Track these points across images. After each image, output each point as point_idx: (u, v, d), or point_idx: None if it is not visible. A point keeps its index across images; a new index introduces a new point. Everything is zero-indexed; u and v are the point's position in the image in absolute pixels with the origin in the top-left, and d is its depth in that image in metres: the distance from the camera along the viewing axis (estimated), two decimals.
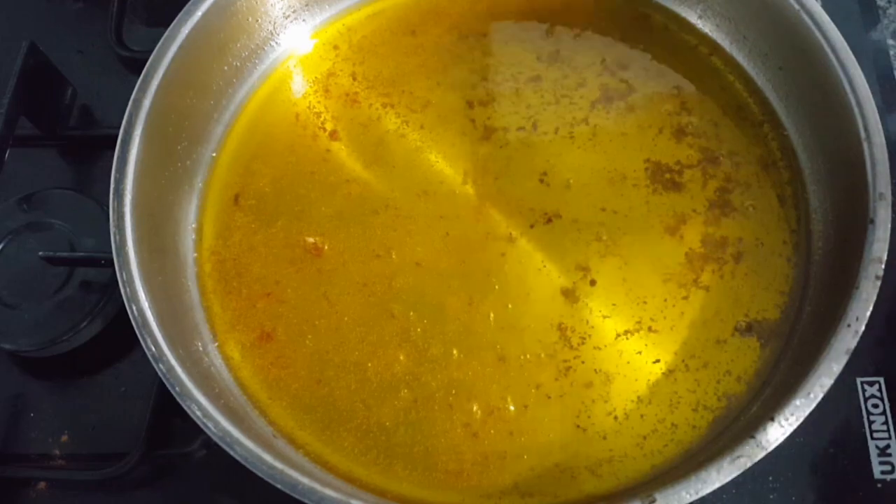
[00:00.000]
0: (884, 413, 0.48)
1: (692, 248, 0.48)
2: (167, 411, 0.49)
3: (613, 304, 0.47)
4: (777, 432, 0.37)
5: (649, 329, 0.47)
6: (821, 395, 0.38)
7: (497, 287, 0.48)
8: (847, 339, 0.39)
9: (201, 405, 0.40)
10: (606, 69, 0.54)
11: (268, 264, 0.50)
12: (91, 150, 0.60)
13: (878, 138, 0.43)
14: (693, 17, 0.55)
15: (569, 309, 0.47)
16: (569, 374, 0.46)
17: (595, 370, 0.46)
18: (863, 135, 0.43)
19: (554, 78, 0.54)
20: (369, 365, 0.47)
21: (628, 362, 0.46)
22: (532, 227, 0.50)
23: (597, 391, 0.45)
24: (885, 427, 0.47)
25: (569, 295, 0.48)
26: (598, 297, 0.48)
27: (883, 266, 0.40)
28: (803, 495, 0.46)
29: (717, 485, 0.37)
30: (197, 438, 0.49)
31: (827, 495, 0.46)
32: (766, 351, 0.46)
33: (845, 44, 0.46)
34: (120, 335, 0.51)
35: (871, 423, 0.48)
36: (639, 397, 0.45)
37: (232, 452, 0.39)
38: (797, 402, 0.38)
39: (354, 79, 0.55)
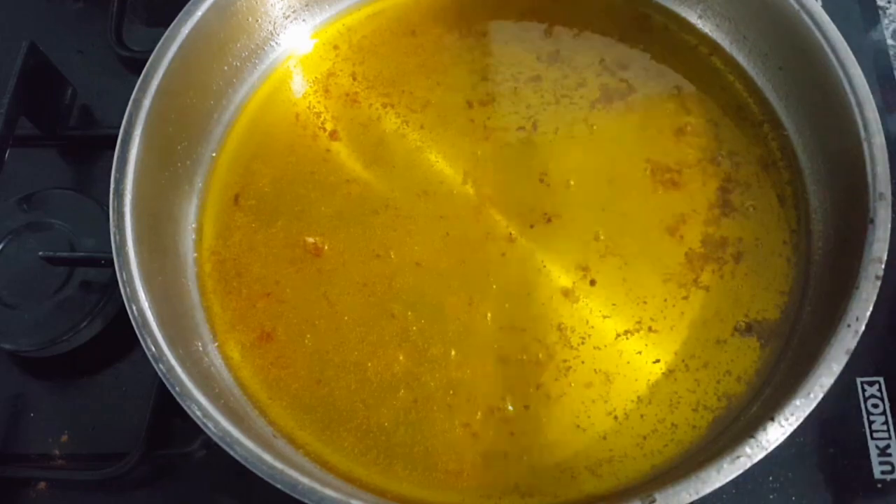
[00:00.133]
0: (884, 413, 0.48)
1: (692, 248, 0.48)
2: (167, 411, 0.49)
3: (613, 304, 0.47)
4: (777, 432, 0.37)
5: (649, 329, 0.47)
6: (821, 395, 0.38)
7: (497, 287, 0.48)
8: (847, 339, 0.39)
9: (201, 405, 0.40)
10: (606, 69, 0.54)
11: (268, 264, 0.50)
12: (91, 150, 0.60)
13: (878, 138, 0.43)
14: (693, 17, 0.55)
15: (569, 309, 0.47)
16: (569, 374, 0.46)
17: (595, 370, 0.46)
18: (863, 135, 0.43)
19: (554, 78, 0.54)
20: (369, 365, 0.47)
21: (628, 362, 0.46)
22: (532, 227, 0.50)
23: (597, 391, 0.45)
24: (885, 427, 0.47)
25: (569, 295, 0.48)
26: (598, 297, 0.48)
27: (883, 266, 0.40)
28: (803, 495, 0.46)
29: (717, 485, 0.37)
30: (197, 438, 0.49)
31: (827, 495, 0.46)
32: (766, 351, 0.46)
33: (845, 44, 0.46)
34: (120, 335, 0.51)
35: (871, 423, 0.48)
36: (639, 397, 0.45)
37: (232, 452, 0.39)
38: (797, 402, 0.38)
39: (354, 79, 0.55)
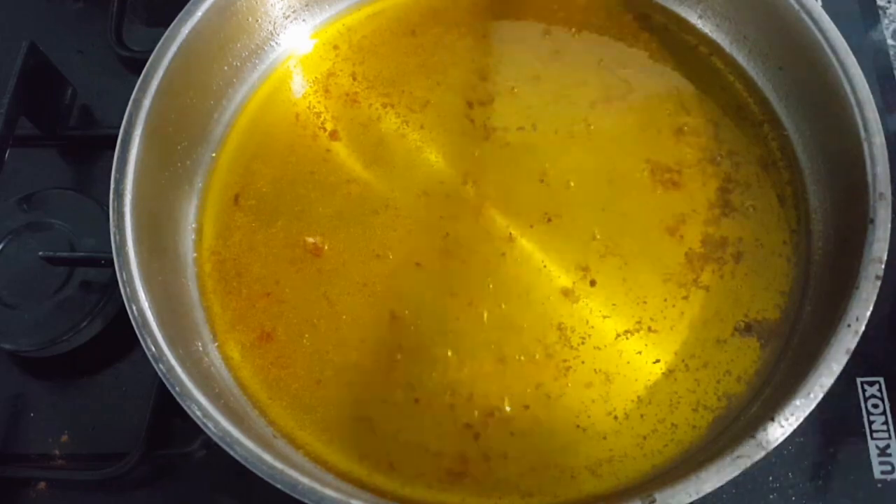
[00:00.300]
0: (884, 413, 0.48)
1: (692, 248, 0.48)
2: (167, 411, 0.49)
3: (613, 304, 0.47)
4: (777, 432, 0.37)
5: (649, 329, 0.47)
6: (821, 395, 0.38)
7: (497, 287, 0.48)
8: (847, 339, 0.39)
9: (201, 405, 0.40)
10: (606, 69, 0.54)
11: (268, 264, 0.50)
12: (91, 150, 0.60)
13: (878, 138, 0.43)
14: (693, 17, 0.55)
15: (569, 309, 0.47)
16: (569, 374, 0.46)
17: (595, 370, 0.46)
18: (863, 135, 0.43)
19: (554, 78, 0.54)
20: (369, 365, 0.47)
21: (628, 362, 0.46)
22: (532, 227, 0.50)
23: (597, 391, 0.45)
24: (885, 427, 0.47)
25: (569, 295, 0.48)
26: (598, 297, 0.48)
27: (883, 266, 0.40)
28: (803, 495, 0.46)
29: (717, 485, 0.37)
30: (197, 438, 0.49)
31: (827, 495, 0.46)
32: (766, 351, 0.46)
33: (845, 44, 0.46)
34: (120, 335, 0.51)
35: (871, 423, 0.48)
36: (639, 397, 0.45)
37: (232, 452, 0.39)
38: (797, 402, 0.38)
39: (354, 79, 0.55)
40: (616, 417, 0.45)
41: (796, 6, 0.47)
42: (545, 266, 0.48)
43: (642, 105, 0.53)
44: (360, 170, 0.52)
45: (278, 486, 0.38)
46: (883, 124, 0.43)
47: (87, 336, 0.52)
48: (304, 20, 0.57)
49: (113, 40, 0.62)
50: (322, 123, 0.54)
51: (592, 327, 0.47)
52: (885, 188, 0.42)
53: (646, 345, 0.46)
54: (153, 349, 0.41)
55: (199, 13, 0.49)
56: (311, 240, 0.50)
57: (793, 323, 0.46)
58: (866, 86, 0.44)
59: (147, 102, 0.47)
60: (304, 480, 0.38)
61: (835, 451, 0.47)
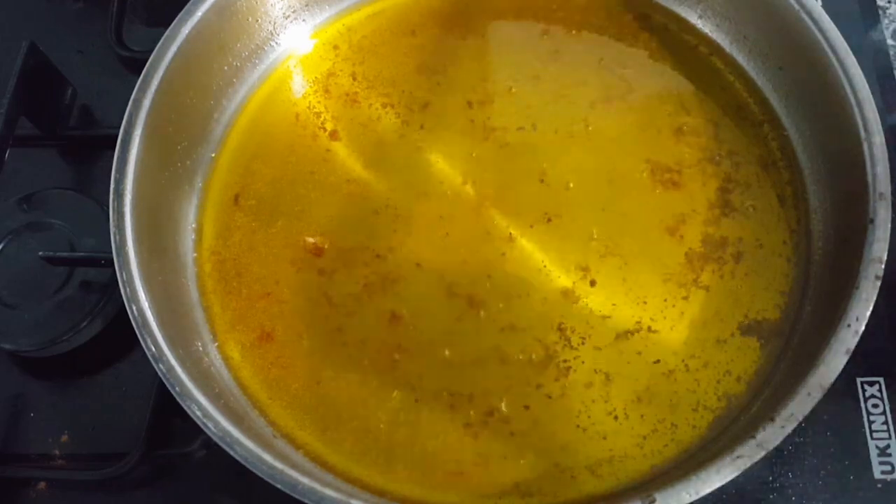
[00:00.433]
0: (884, 413, 0.48)
1: (692, 248, 0.48)
2: (167, 411, 0.49)
3: (613, 304, 0.47)
4: (777, 432, 0.37)
5: (649, 329, 0.47)
6: (821, 395, 0.38)
7: (497, 287, 0.48)
8: (847, 339, 0.39)
9: (201, 405, 0.40)
10: (606, 69, 0.54)
11: (268, 264, 0.50)
12: (91, 150, 0.60)
13: (878, 138, 0.43)
14: (693, 17, 0.55)
15: (569, 309, 0.47)
16: (569, 374, 0.46)
17: (595, 370, 0.46)
18: (863, 135, 0.43)
19: (553, 78, 0.54)
20: (369, 365, 0.47)
21: (628, 362, 0.46)
22: (532, 227, 0.50)
23: (597, 391, 0.45)
24: (885, 427, 0.47)
25: (569, 295, 0.48)
26: (598, 297, 0.48)
27: (883, 266, 0.40)
28: (803, 495, 0.46)
29: (717, 485, 0.37)
30: (197, 438, 0.49)
31: (827, 495, 0.46)
32: (766, 351, 0.46)
33: (845, 44, 0.46)
34: (120, 335, 0.51)
35: (871, 423, 0.47)
36: (639, 397, 0.45)
37: (232, 452, 0.39)
38: (797, 402, 0.38)
39: (354, 79, 0.55)
40: (616, 417, 0.45)
41: (796, 6, 0.47)
42: (545, 266, 0.48)
43: (642, 105, 0.53)
44: (360, 170, 0.52)
45: (278, 486, 0.38)
46: (883, 124, 0.43)
47: (87, 336, 0.52)
48: (304, 20, 0.57)
49: (113, 40, 0.62)
50: (322, 123, 0.54)
51: (592, 327, 0.47)
52: (885, 188, 0.42)
53: (646, 345, 0.46)
54: (153, 349, 0.41)
55: (199, 13, 0.49)
56: (311, 240, 0.50)
57: (793, 323, 0.46)
58: (866, 86, 0.44)
59: (147, 102, 0.47)
60: (304, 480, 0.38)
61: (835, 451, 0.47)
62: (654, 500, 0.36)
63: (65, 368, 0.53)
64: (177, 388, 0.40)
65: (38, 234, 0.55)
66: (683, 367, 0.46)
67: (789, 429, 0.37)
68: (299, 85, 0.56)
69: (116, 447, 0.49)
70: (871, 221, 0.41)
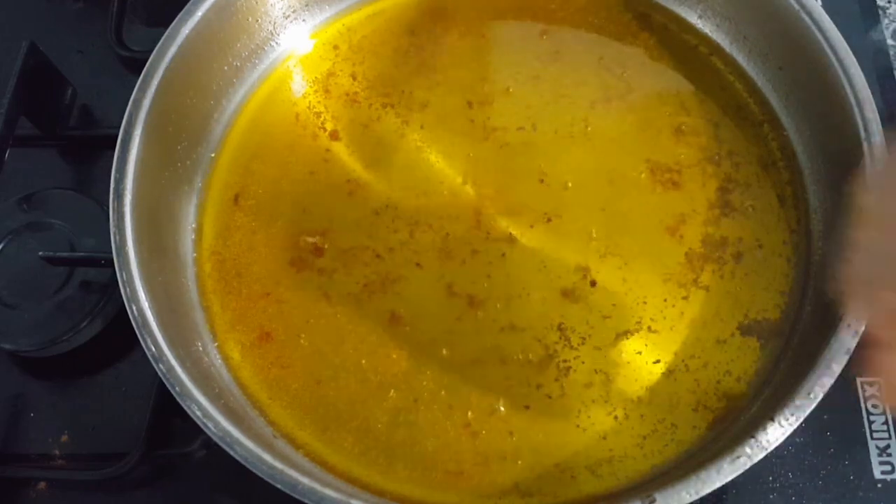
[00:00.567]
0: (884, 413, 0.48)
1: (692, 248, 0.48)
2: (167, 411, 0.49)
3: (613, 304, 0.47)
4: (777, 432, 0.37)
5: (649, 329, 0.47)
6: (821, 395, 0.38)
7: (497, 287, 0.48)
8: (847, 339, 0.39)
9: (201, 405, 0.40)
10: (606, 69, 0.54)
11: (268, 264, 0.50)
12: (91, 150, 0.59)
13: (878, 138, 0.43)
14: (693, 17, 0.55)
15: (569, 309, 0.47)
16: (569, 374, 0.46)
17: (595, 370, 0.46)
18: (863, 135, 0.43)
19: (553, 78, 0.54)
20: (369, 365, 0.47)
21: (628, 362, 0.46)
22: (532, 227, 0.50)
23: (597, 391, 0.45)
24: (885, 427, 0.47)
25: (569, 295, 0.48)
26: (598, 297, 0.47)
27: None
28: (803, 495, 0.46)
29: (717, 485, 0.37)
30: (197, 438, 0.49)
31: (827, 495, 0.46)
32: (766, 351, 0.46)
33: (845, 44, 0.46)
34: (120, 335, 0.51)
35: (871, 423, 0.47)
36: (639, 397, 0.45)
37: (232, 452, 0.39)
38: (797, 402, 0.38)
39: (354, 79, 0.55)
40: (616, 417, 0.45)
41: (796, 6, 0.47)
42: (545, 266, 0.48)
43: (642, 105, 0.53)
44: (360, 170, 0.52)
45: (278, 486, 0.38)
46: (883, 124, 0.43)
47: (87, 336, 0.52)
48: (304, 20, 0.57)
49: (113, 40, 0.62)
50: (322, 123, 0.54)
51: (592, 327, 0.47)
52: None
53: (646, 345, 0.46)
54: (153, 349, 0.41)
55: (199, 13, 0.49)
56: (311, 240, 0.50)
57: (793, 323, 0.46)
58: (866, 86, 0.44)
59: (147, 102, 0.47)
60: (304, 480, 0.38)
61: (835, 451, 0.47)
62: (654, 500, 0.36)
63: (65, 368, 0.53)
64: (177, 388, 0.40)
65: (38, 234, 0.54)
66: (683, 367, 0.46)
67: (789, 429, 0.37)
68: (299, 85, 0.56)
69: (116, 447, 0.49)
70: None
